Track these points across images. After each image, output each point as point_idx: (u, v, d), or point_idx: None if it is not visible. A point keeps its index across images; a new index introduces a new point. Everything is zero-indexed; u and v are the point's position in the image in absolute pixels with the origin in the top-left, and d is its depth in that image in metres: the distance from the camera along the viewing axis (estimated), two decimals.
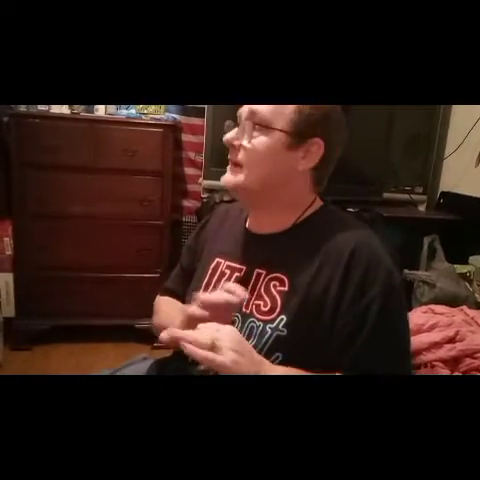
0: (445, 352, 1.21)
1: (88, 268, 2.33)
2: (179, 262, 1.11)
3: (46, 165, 2.20)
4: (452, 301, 1.77)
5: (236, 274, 0.91)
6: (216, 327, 0.73)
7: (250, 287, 0.88)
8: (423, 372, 1.14)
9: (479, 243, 2.22)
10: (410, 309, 1.79)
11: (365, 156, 2.40)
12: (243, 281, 0.89)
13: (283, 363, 0.81)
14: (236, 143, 0.87)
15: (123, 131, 2.25)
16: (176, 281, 1.09)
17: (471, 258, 2.00)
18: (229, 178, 0.89)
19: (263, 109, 0.85)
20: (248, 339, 0.83)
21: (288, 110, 0.84)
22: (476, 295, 1.87)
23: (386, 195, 2.42)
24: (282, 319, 0.83)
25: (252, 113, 0.85)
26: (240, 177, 0.87)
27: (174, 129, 2.38)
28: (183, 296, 1.01)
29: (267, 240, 0.91)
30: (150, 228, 2.34)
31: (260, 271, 0.88)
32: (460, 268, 2.00)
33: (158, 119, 2.36)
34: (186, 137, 2.68)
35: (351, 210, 2.30)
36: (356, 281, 0.80)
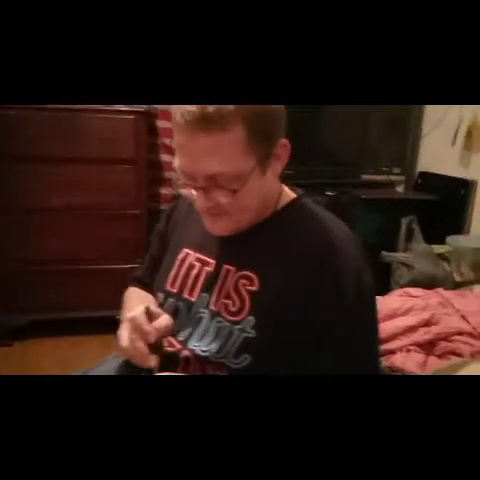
0: (420, 336, 1.21)
1: (65, 260, 2.29)
2: (149, 250, 1.06)
3: (17, 157, 2.14)
4: (430, 282, 1.79)
5: (206, 268, 0.88)
6: None
7: (218, 284, 0.85)
8: (398, 357, 1.13)
9: (456, 223, 2.24)
10: (388, 292, 1.79)
11: (342, 138, 2.39)
12: (212, 277, 0.86)
13: (252, 365, 0.79)
14: (213, 204, 0.78)
15: (94, 119, 2.19)
16: (146, 270, 1.05)
17: (448, 238, 2.01)
18: (221, 227, 0.83)
19: (223, 169, 0.74)
20: (215, 339, 0.82)
21: (243, 146, 0.73)
22: (454, 275, 1.89)
23: (364, 177, 2.41)
24: (250, 320, 0.80)
25: (212, 178, 0.75)
26: (233, 224, 0.82)
27: (147, 116, 2.33)
28: (152, 285, 0.98)
29: (236, 235, 0.86)
30: (126, 218, 2.30)
31: (229, 267, 0.85)
32: (438, 248, 2.01)
33: (129, 106, 2.30)
34: (161, 123, 2.62)
35: (329, 193, 2.30)
36: (327, 282, 0.78)
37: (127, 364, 0.93)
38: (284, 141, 0.80)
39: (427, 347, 1.19)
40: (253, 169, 0.76)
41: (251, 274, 0.83)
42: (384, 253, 1.98)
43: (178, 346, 0.85)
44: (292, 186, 0.92)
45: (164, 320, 0.81)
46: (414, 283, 1.80)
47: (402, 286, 1.82)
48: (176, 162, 0.77)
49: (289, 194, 0.90)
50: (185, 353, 0.84)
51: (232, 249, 0.86)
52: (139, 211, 2.31)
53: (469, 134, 2.23)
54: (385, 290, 1.85)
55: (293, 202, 0.88)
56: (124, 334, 0.78)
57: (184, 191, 0.81)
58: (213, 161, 0.73)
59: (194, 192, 0.78)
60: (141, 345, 0.77)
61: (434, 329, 1.21)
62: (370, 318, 0.83)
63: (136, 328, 0.78)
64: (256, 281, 0.82)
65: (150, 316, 0.80)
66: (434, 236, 2.09)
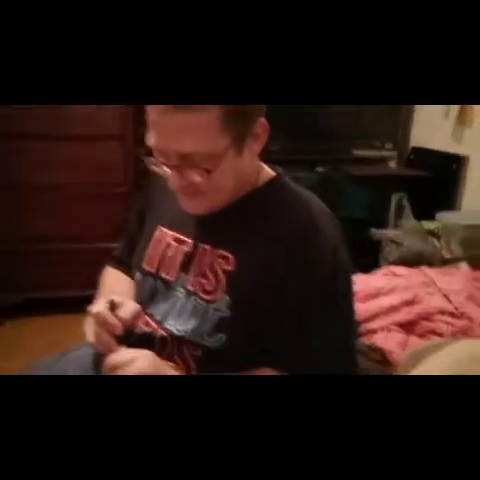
0: (402, 316, 1.20)
1: (55, 239, 2.27)
2: (127, 229, 1.05)
3: (4, 134, 2.10)
4: (419, 259, 1.78)
5: (182, 247, 0.87)
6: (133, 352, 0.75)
7: (195, 263, 0.84)
8: (380, 336, 1.14)
9: (449, 199, 2.22)
10: (377, 268, 1.79)
11: (333, 113, 2.35)
12: (188, 256, 0.86)
13: (227, 344, 0.79)
14: (187, 184, 0.77)
15: None
16: (124, 249, 1.04)
17: (438, 214, 1.99)
18: (196, 206, 0.82)
19: (196, 149, 0.72)
20: (190, 318, 0.81)
21: (217, 126, 0.72)
22: (443, 252, 1.88)
23: (355, 152, 2.38)
24: (225, 300, 0.80)
25: (185, 157, 0.74)
26: (209, 203, 0.81)
27: None
28: (131, 264, 0.97)
29: (213, 213, 0.85)
30: (114, 195, 2.27)
31: (205, 246, 0.84)
32: (428, 224, 2.00)
33: None
34: None
35: (320, 169, 2.28)
36: (305, 260, 0.78)
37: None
38: (262, 120, 0.78)
39: (408, 327, 1.19)
40: (228, 149, 0.75)
41: (227, 253, 0.82)
42: (373, 230, 1.97)
43: (155, 326, 0.85)
44: (271, 164, 0.91)
45: (129, 308, 0.81)
46: (403, 260, 1.80)
47: (391, 263, 1.82)
48: (149, 139, 0.76)
49: (268, 172, 0.88)
50: (161, 333, 0.84)
51: (209, 228, 0.85)
52: (126, 188, 2.28)
53: (462, 108, 2.20)
54: (374, 267, 1.85)
55: (272, 180, 0.87)
56: (90, 330, 0.79)
57: (157, 169, 0.79)
58: (186, 140, 0.72)
59: (168, 170, 0.77)
60: (107, 339, 0.78)
61: (416, 309, 1.21)
62: (345, 294, 0.83)
63: (101, 323, 0.78)
64: (232, 260, 0.81)
65: (114, 307, 0.79)
66: (426, 212, 2.07)
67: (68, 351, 1.00)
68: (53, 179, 2.19)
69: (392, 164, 2.53)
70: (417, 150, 2.46)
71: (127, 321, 0.79)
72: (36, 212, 2.22)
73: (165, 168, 0.77)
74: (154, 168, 0.80)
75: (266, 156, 0.88)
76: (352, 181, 2.18)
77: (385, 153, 2.49)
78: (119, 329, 0.78)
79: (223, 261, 0.82)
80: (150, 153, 0.79)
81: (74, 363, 0.97)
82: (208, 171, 0.75)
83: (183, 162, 0.75)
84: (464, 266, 1.58)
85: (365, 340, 1.07)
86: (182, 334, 0.82)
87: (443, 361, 0.85)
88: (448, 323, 1.17)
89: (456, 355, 0.85)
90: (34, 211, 2.22)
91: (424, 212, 2.08)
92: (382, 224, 2.11)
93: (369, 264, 1.85)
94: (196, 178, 0.75)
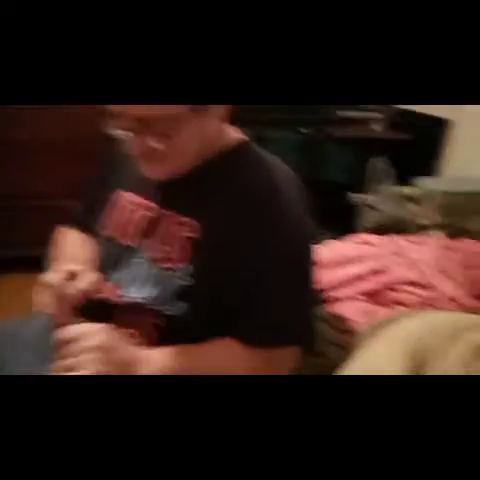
0: (369, 285, 1.20)
1: (34, 196, 2.25)
2: (87, 190, 1.02)
3: None
4: (395, 225, 1.77)
5: (145, 213, 0.85)
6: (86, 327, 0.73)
7: (157, 230, 0.83)
8: (344, 305, 1.13)
9: (430, 164, 2.19)
10: (351, 232, 1.76)
11: None
12: (151, 222, 0.84)
13: (188, 313, 0.79)
14: (146, 149, 0.75)
15: None
16: (84, 212, 1.00)
17: (418, 180, 1.96)
18: (157, 171, 0.80)
19: (149, 112, 0.70)
20: (152, 286, 0.81)
21: None
22: (421, 218, 1.86)
23: (339, 113, 2.32)
24: (188, 268, 0.79)
25: (139, 120, 0.71)
26: (170, 168, 0.79)
27: None
28: (90, 228, 0.95)
29: (177, 178, 0.83)
30: (96, 153, 2.23)
31: (168, 213, 0.83)
32: (407, 190, 1.97)
33: None
34: None
35: (303, 130, 2.23)
36: (263, 227, 0.77)
37: None
38: None
39: (374, 296, 1.19)
40: (188, 113, 0.72)
41: (190, 220, 0.80)
42: (351, 194, 1.94)
43: (116, 293, 0.84)
44: (239, 128, 0.88)
45: (88, 277, 0.79)
46: (380, 226, 1.78)
47: (367, 229, 1.80)
48: None
49: (234, 136, 0.86)
50: (122, 300, 0.83)
51: (171, 193, 0.83)
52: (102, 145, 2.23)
53: None
54: (352, 233, 1.83)
55: (237, 145, 0.85)
56: (43, 299, 0.77)
57: (115, 133, 0.76)
58: None
59: (125, 133, 0.74)
60: (64, 310, 0.77)
61: (382, 278, 1.20)
62: (307, 259, 0.83)
63: (59, 295, 0.76)
64: (195, 227, 0.80)
65: (72, 277, 0.78)
66: (408, 177, 2.04)
67: (30, 317, 0.99)
68: (38, 133, 2.15)
69: (378, 126, 2.47)
70: (405, 113, 2.39)
71: (85, 292, 0.78)
72: (20, 167, 2.19)
73: (123, 132, 0.74)
74: (112, 132, 0.76)
75: (249, 115, 0.85)
76: (334, 143, 2.14)
77: (371, 115, 2.42)
78: (77, 299, 0.77)
79: (186, 228, 0.80)
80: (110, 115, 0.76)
81: (37, 331, 0.95)
82: (168, 136, 0.72)
83: (141, 126, 0.72)
84: (439, 234, 1.57)
85: (329, 309, 1.07)
86: (143, 302, 0.81)
87: (401, 334, 0.84)
88: (414, 294, 1.17)
89: (415, 328, 0.85)
90: (18, 166, 2.18)
91: (406, 177, 2.04)
92: (362, 188, 2.08)
93: (347, 229, 1.83)
94: (155, 144, 0.73)
